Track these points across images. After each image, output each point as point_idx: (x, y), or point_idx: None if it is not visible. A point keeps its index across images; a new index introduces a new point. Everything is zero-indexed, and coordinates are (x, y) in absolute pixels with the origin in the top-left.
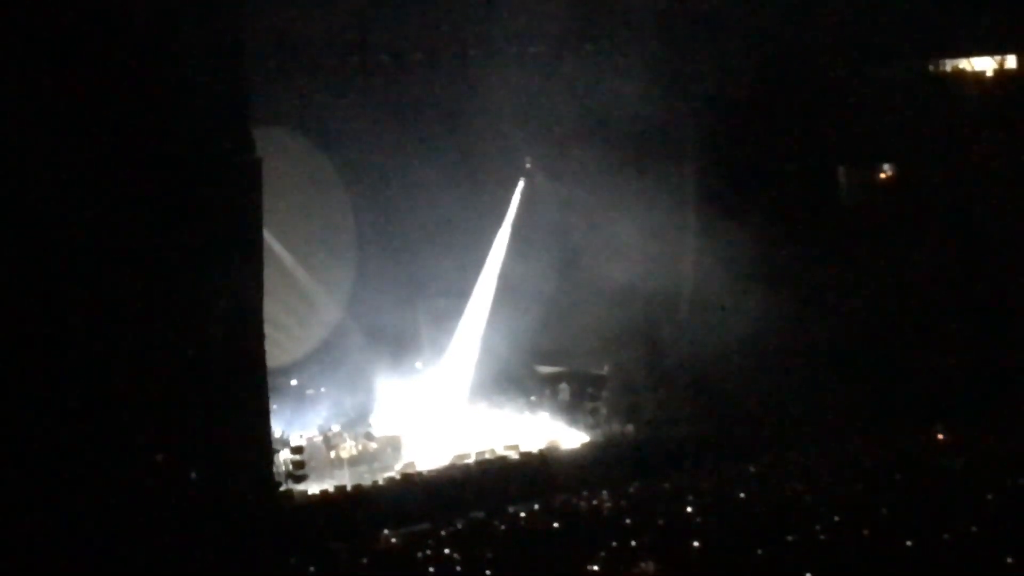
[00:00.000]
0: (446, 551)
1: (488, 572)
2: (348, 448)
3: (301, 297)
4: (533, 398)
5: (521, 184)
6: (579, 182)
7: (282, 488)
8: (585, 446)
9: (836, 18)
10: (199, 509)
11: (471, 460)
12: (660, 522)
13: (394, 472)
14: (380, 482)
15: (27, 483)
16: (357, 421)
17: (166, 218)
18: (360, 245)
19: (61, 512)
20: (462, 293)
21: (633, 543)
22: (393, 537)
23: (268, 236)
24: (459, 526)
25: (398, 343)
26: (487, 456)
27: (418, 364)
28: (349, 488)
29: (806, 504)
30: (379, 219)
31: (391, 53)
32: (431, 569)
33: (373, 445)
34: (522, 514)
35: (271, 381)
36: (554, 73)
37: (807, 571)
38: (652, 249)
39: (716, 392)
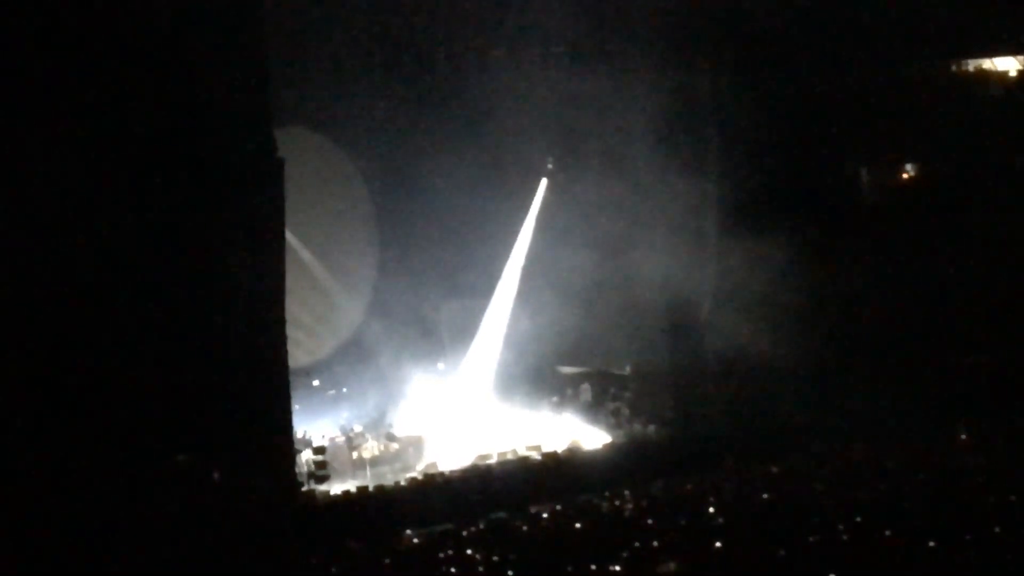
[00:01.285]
0: (468, 551)
1: (510, 573)
2: (370, 448)
3: (323, 297)
4: (555, 398)
5: (543, 184)
6: (601, 182)
7: (304, 488)
8: (607, 446)
9: (859, 17)
10: (221, 509)
11: (493, 460)
12: (682, 522)
13: (416, 472)
14: (402, 482)
15: (49, 483)
16: (379, 421)
17: (189, 219)
18: (382, 245)
19: (83, 512)
20: (484, 293)
21: (655, 543)
22: (415, 537)
23: (290, 237)
24: (481, 526)
25: (420, 343)
26: (509, 456)
27: (440, 364)
28: (371, 488)
29: (828, 505)
30: (401, 219)
31: (413, 52)
32: (452, 570)
33: (395, 445)
34: (544, 514)
35: (293, 381)
36: (576, 72)
37: (829, 572)
38: (674, 250)
39: (739, 393)
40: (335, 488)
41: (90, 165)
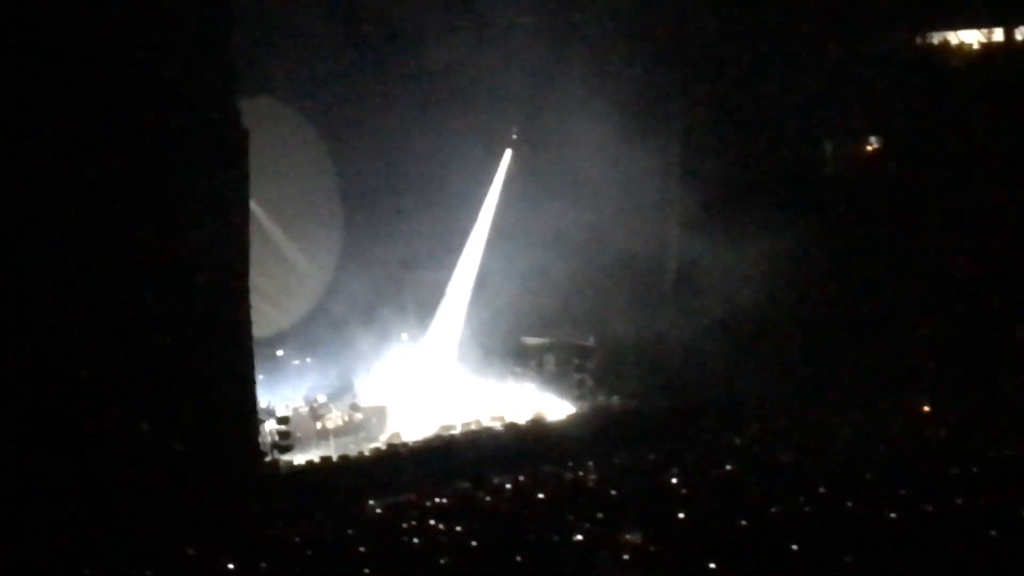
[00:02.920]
0: (431, 522)
1: (473, 543)
2: (334, 418)
3: (287, 268)
4: (519, 369)
5: (508, 154)
6: (566, 153)
7: (267, 458)
8: (571, 417)
9: None
10: (184, 479)
11: (457, 431)
12: (645, 493)
13: (380, 443)
14: (366, 452)
15: (8, 454)
16: (343, 392)
17: (152, 189)
18: (346, 216)
19: (43, 483)
20: (448, 263)
21: (618, 514)
22: (378, 507)
23: (254, 207)
24: (444, 497)
25: (384, 313)
26: (473, 427)
27: (404, 335)
28: (335, 458)
29: (791, 476)
30: (365, 190)
31: (378, 23)
32: (415, 540)
33: (359, 416)
34: (507, 485)
35: (257, 351)
36: (542, 43)
37: (792, 542)
38: (638, 221)
39: (702, 364)
40: (298, 458)
41: (52, 135)
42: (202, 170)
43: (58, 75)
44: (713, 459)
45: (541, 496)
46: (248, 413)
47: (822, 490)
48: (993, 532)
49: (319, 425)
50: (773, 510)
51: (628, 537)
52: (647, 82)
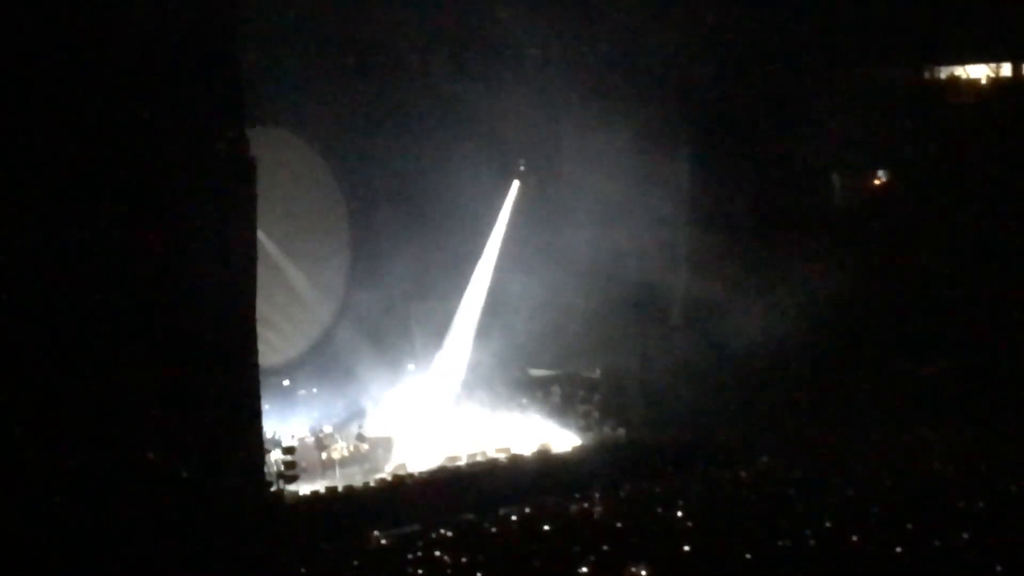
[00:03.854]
0: (436, 553)
1: (478, 574)
2: (339, 449)
3: (294, 297)
4: (525, 401)
5: (515, 186)
6: (573, 185)
7: (273, 488)
8: (576, 449)
9: (831, 23)
10: (190, 508)
11: (462, 462)
12: (651, 526)
13: (385, 473)
14: (371, 483)
15: (14, 482)
16: (349, 422)
17: (160, 217)
18: (353, 246)
19: (49, 511)
20: (455, 295)
21: (624, 546)
22: (383, 538)
23: (261, 236)
24: (450, 528)
25: (391, 344)
26: (478, 458)
27: (410, 366)
28: (340, 489)
29: (797, 509)
30: (373, 220)
31: (386, 53)
32: (420, 571)
33: (364, 446)
34: (513, 516)
35: (263, 381)
36: (550, 74)
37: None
38: (646, 253)
39: (707, 397)
40: (304, 488)
41: (61, 163)
42: (209, 199)
43: (65, 104)
44: (719, 492)
45: (547, 528)
46: (254, 443)
47: (828, 524)
48: (999, 568)
49: (325, 455)
50: (779, 544)
51: (634, 570)
52: (655, 115)
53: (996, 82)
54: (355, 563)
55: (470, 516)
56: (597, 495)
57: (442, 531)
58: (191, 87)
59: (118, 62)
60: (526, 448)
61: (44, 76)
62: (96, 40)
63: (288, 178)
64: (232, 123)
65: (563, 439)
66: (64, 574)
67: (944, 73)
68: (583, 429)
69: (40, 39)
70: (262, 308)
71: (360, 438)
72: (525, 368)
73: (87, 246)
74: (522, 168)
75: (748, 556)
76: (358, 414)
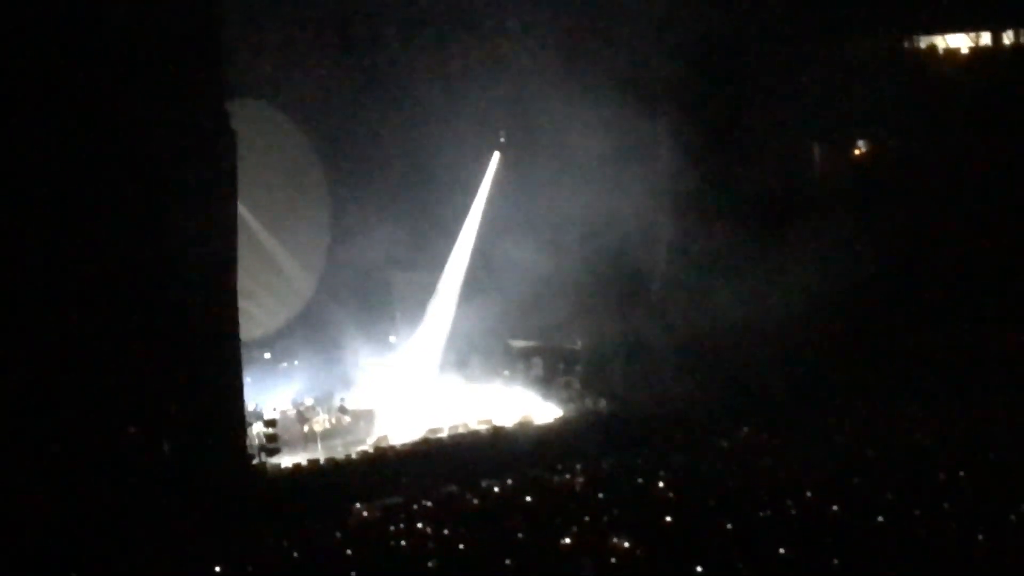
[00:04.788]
0: (419, 525)
1: (460, 546)
2: (321, 421)
3: (275, 270)
4: (506, 372)
5: (496, 157)
6: (553, 157)
7: (255, 461)
8: (558, 421)
9: None
10: (172, 481)
11: (444, 434)
12: (633, 497)
13: (367, 446)
14: (353, 456)
15: None
16: (330, 394)
17: (139, 192)
18: (334, 219)
19: (30, 486)
20: (436, 267)
21: (605, 518)
22: (365, 511)
23: (242, 209)
24: (432, 500)
25: (372, 317)
26: (460, 430)
27: (392, 338)
28: (322, 461)
29: (778, 479)
30: (353, 193)
31: (367, 26)
32: (403, 543)
33: (346, 419)
34: (495, 488)
35: (245, 354)
36: (530, 46)
37: (779, 546)
38: (626, 224)
39: (689, 368)
40: (286, 461)
41: (38, 137)
42: (190, 172)
43: (46, 77)
44: (701, 464)
45: (529, 500)
46: (236, 416)
47: (809, 494)
48: (981, 536)
49: (306, 428)
50: (760, 514)
51: (616, 541)
52: (634, 87)
53: (976, 51)
54: (337, 535)
55: (452, 488)
56: (579, 467)
57: (424, 503)
58: (172, 61)
59: (99, 38)
60: (508, 420)
61: (24, 52)
62: (78, 17)
63: (269, 151)
64: (213, 96)
65: (545, 411)
66: (47, 547)
67: (924, 43)
68: (565, 401)
69: (19, 15)
70: (243, 281)
71: (342, 410)
72: (507, 340)
73: (68, 221)
74: (502, 140)
75: (729, 526)
76: (340, 386)
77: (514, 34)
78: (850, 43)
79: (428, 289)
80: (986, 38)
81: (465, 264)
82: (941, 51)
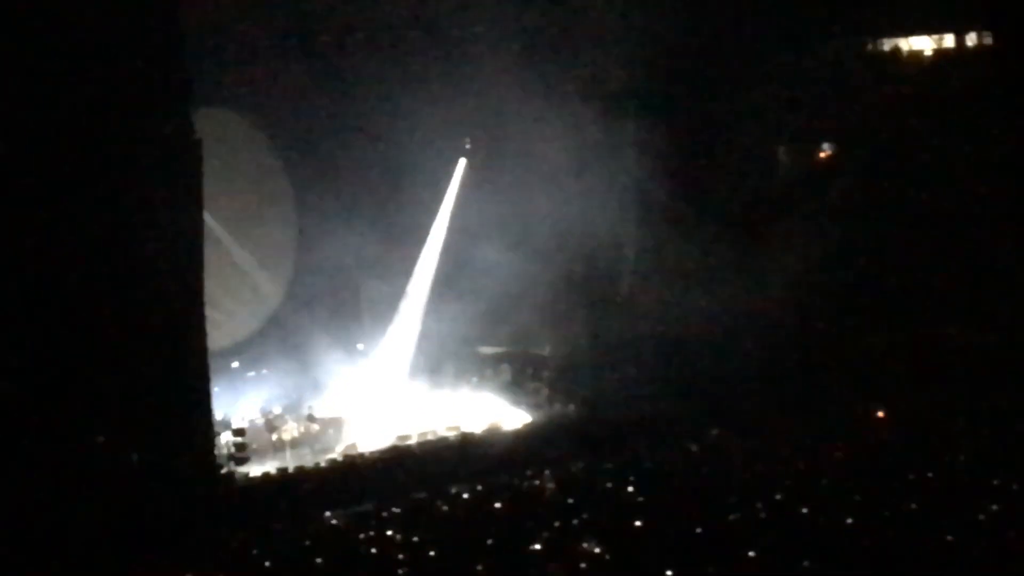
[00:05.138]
0: (388, 532)
1: (431, 553)
2: (290, 430)
3: (242, 279)
4: (475, 379)
5: (462, 164)
6: (520, 162)
7: (224, 470)
8: (527, 427)
9: None
10: (140, 491)
11: (413, 441)
12: (602, 501)
13: (336, 454)
14: (322, 464)
15: None
16: (299, 403)
17: (103, 199)
18: (301, 227)
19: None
20: (403, 274)
21: (576, 522)
22: (335, 519)
23: (208, 218)
24: (401, 507)
25: (340, 325)
26: (429, 437)
27: (360, 346)
28: (291, 470)
29: (747, 482)
30: (320, 200)
31: (332, 33)
32: (373, 550)
33: (315, 427)
34: (464, 495)
35: (212, 363)
36: (495, 51)
37: (749, 549)
38: (594, 230)
39: (656, 373)
40: (255, 470)
41: (3, 144)
42: (155, 180)
43: (10, 85)
44: (670, 467)
45: (498, 505)
46: (204, 425)
47: (779, 496)
48: (949, 537)
49: (275, 437)
50: (730, 517)
51: (586, 546)
52: (600, 92)
53: (939, 53)
54: (307, 543)
55: (421, 495)
56: (548, 472)
57: (394, 510)
58: (136, 69)
59: (63, 47)
60: (477, 426)
61: None
62: (40, 25)
63: (234, 159)
64: (177, 105)
65: (513, 417)
66: (13, 557)
67: (887, 45)
68: (533, 406)
69: None
70: (210, 290)
71: (311, 419)
72: (475, 346)
73: (28, 231)
74: (468, 146)
75: (699, 530)
76: (308, 395)
77: (479, 39)
78: (814, 47)
79: (396, 296)
80: (949, 40)
81: (433, 270)
82: (905, 53)
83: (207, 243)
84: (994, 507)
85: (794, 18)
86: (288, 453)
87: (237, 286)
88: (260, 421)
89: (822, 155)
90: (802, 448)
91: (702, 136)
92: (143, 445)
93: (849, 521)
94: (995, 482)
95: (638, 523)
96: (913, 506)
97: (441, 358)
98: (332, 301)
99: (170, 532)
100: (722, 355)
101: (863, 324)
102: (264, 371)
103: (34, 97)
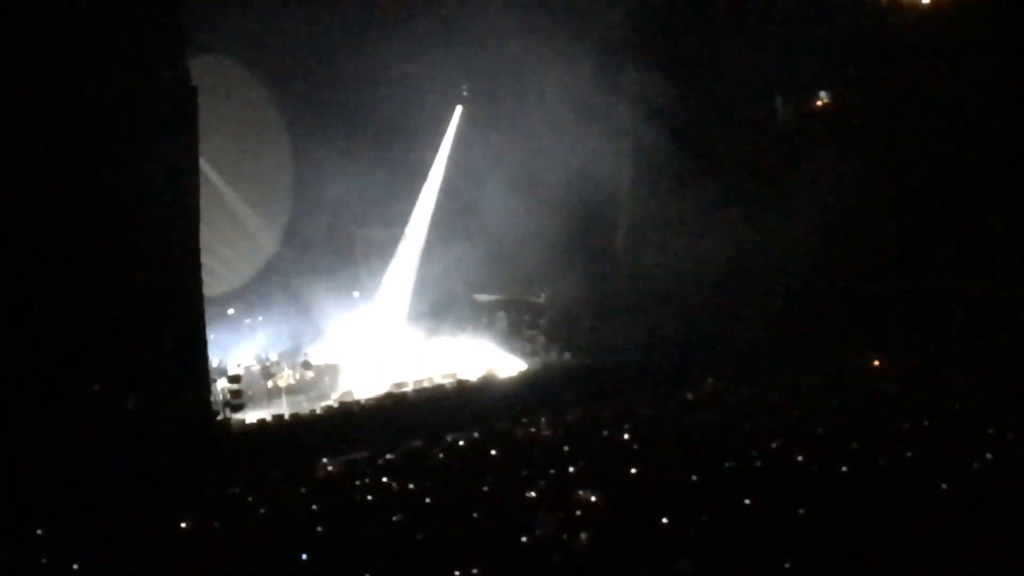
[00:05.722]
0: (384, 479)
1: (426, 500)
2: (285, 377)
3: (238, 226)
4: (470, 326)
5: (458, 111)
6: (516, 110)
7: (219, 417)
8: (523, 374)
9: None
10: (136, 438)
11: (409, 389)
12: (598, 449)
13: (332, 401)
14: (318, 411)
15: None
16: (294, 350)
17: (99, 148)
18: (296, 173)
19: None
20: (399, 221)
21: (572, 470)
22: (331, 465)
23: (204, 165)
24: (397, 454)
25: (335, 272)
26: (425, 384)
27: (355, 293)
28: (287, 417)
29: (743, 430)
30: (316, 147)
31: None
32: (369, 497)
33: (310, 374)
34: (460, 442)
35: (208, 310)
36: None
37: (745, 497)
38: (589, 178)
39: (653, 320)
40: (250, 417)
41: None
42: (150, 129)
43: (4, 33)
44: (666, 415)
45: (494, 453)
46: (199, 372)
47: (774, 445)
48: (944, 486)
49: (271, 383)
50: (726, 465)
51: (582, 494)
52: (597, 40)
53: (937, 1)
54: (303, 490)
55: (417, 442)
56: (544, 420)
57: (389, 457)
58: (131, 16)
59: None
60: (473, 374)
61: None
62: None
63: (230, 105)
64: (173, 52)
65: (509, 364)
66: (10, 506)
67: None
68: (529, 354)
69: None
70: (206, 237)
71: (306, 366)
72: (471, 293)
73: (28, 176)
74: (464, 93)
75: (695, 478)
76: (304, 342)
77: None
78: None
79: (392, 243)
80: None
81: (429, 218)
82: (903, 1)
83: (203, 190)
84: (989, 456)
85: None
86: (284, 400)
87: (233, 233)
88: (256, 368)
89: (819, 103)
90: (798, 396)
91: (698, 85)
92: (139, 392)
93: (844, 469)
94: (990, 431)
95: (634, 471)
96: (908, 455)
97: (437, 305)
98: (328, 248)
99: (166, 478)
100: (719, 304)
101: (860, 274)
102: (260, 318)
103: (27, 45)
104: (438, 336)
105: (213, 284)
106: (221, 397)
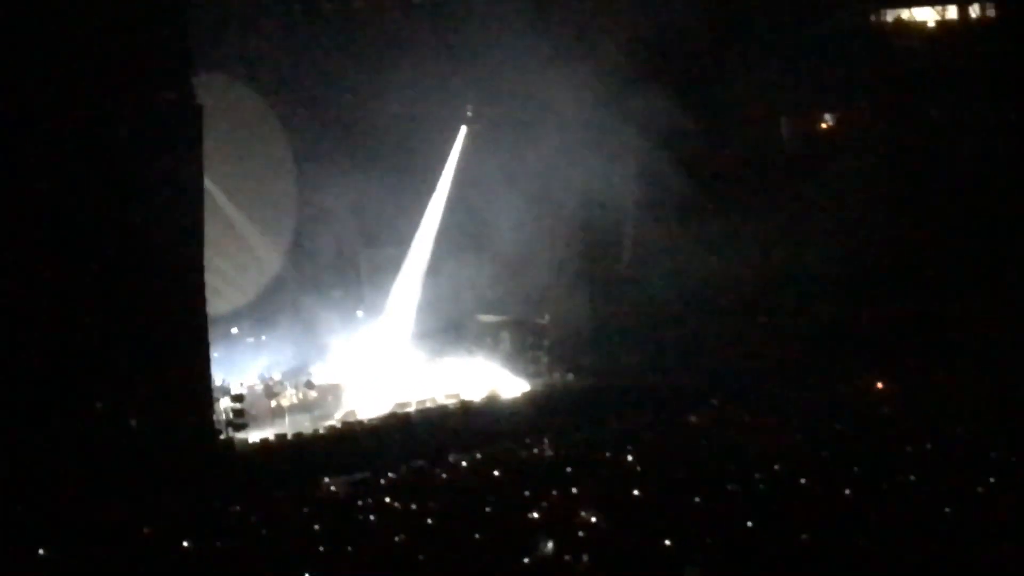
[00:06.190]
0: (387, 500)
1: (429, 520)
2: (289, 396)
3: (242, 245)
4: (474, 347)
5: (463, 132)
6: (521, 130)
7: (222, 436)
8: (526, 395)
9: None
10: (139, 457)
11: (412, 409)
12: (601, 471)
13: (335, 420)
14: (321, 430)
15: None
16: (298, 369)
17: (104, 166)
18: (302, 194)
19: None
20: (404, 242)
21: (574, 491)
22: (333, 485)
23: (209, 184)
24: (400, 475)
25: (340, 292)
26: (428, 405)
27: (359, 313)
28: (289, 436)
29: (746, 453)
30: (321, 167)
31: (333, 1)
32: (371, 517)
33: (313, 393)
34: (463, 463)
35: (212, 329)
36: (498, 20)
37: (747, 520)
38: (594, 200)
39: (656, 343)
40: (253, 436)
41: (7, 113)
42: (156, 147)
43: (13, 55)
44: (669, 437)
45: (497, 474)
46: (203, 391)
47: (777, 468)
48: (947, 509)
49: (274, 403)
50: (729, 487)
51: (584, 515)
52: (603, 63)
53: (942, 25)
54: (305, 510)
55: (420, 463)
56: (547, 441)
57: (392, 477)
58: (138, 35)
59: (66, 12)
60: (476, 394)
61: None
62: None
63: (235, 125)
64: (179, 71)
65: (513, 385)
66: (14, 523)
67: (890, 16)
68: (533, 375)
69: None
70: (210, 256)
71: (309, 385)
72: (474, 314)
73: (34, 195)
74: (469, 114)
75: (697, 500)
76: (307, 361)
77: (481, 6)
78: (818, 17)
79: (396, 264)
80: (952, 11)
81: (433, 238)
82: (908, 24)
83: (208, 210)
84: (991, 480)
85: None
86: (287, 419)
87: (237, 252)
88: (259, 387)
89: (824, 125)
90: (801, 420)
91: (705, 108)
92: (142, 411)
93: (847, 493)
94: (992, 455)
95: (636, 493)
96: (912, 478)
97: (441, 326)
98: (333, 267)
99: (169, 498)
100: (721, 327)
101: (864, 297)
102: (263, 337)
103: (36, 64)
104: (442, 356)
105: (217, 303)
106: (224, 416)
